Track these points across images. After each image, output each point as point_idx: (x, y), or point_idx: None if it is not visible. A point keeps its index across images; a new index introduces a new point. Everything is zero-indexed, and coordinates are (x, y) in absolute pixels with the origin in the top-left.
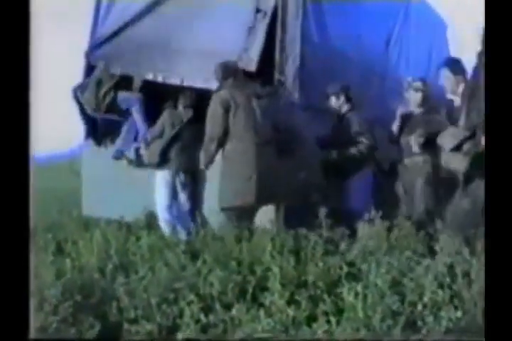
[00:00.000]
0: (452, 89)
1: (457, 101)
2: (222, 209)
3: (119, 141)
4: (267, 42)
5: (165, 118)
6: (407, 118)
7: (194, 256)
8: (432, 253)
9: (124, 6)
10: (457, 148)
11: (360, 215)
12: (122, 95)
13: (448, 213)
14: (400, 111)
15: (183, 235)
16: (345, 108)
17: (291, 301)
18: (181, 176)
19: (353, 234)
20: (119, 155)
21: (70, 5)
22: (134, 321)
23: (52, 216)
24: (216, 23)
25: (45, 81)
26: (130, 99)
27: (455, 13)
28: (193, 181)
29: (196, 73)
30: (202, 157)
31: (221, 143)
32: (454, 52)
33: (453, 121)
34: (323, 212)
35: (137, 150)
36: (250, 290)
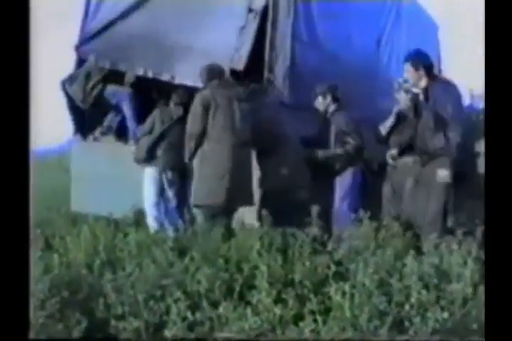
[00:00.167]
0: (414, 83)
1: (421, 95)
2: (195, 207)
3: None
4: (257, 41)
5: (155, 115)
6: (402, 118)
7: (182, 253)
8: (419, 253)
9: (115, 0)
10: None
11: (348, 215)
12: (111, 89)
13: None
14: (396, 108)
15: (170, 232)
16: (332, 108)
17: (278, 300)
18: (168, 173)
19: (340, 234)
20: (106, 131)
21: (68, 4)
22: (121, 317)
23: (41, 212)
24: (208, 22)
25: (45, 78)
26: (119, 94)
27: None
28: (181, 178)
29: (187, 71)
30: (185, 152)
31: (200, 141)
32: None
33: (417, 115)
34: (308, 211)
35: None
36: (237, 288)
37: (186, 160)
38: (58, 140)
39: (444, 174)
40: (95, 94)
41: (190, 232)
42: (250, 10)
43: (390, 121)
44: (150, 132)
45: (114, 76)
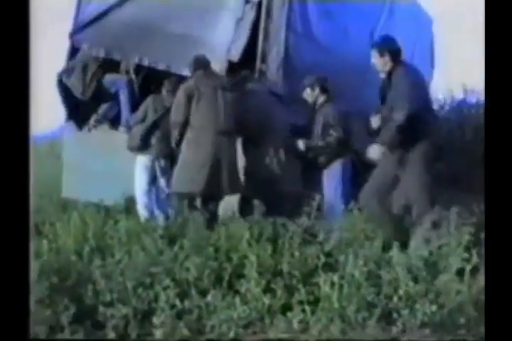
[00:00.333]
0: (378, 69)
1: (385, 80)
2: (174, 194)
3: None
4: (252, 32)
5: (148, 103)
6: None
7: (171, 241)
8: (408, 246)
9: None
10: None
11: (339, 206)
12: (109, 77)
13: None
14: None
15: (161, 220)
16: (321, 99)
17: (267, 289)
18: (161, 161)
19: (330, 225)
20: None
21: (68, 3)
22: (110, 304)
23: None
24: (204, 11)
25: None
26: (117, 82)
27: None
28: (173, 166)
29: (183, 60)
30: (171, 140)
31: (183, 130)
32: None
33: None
34: (296, 201)
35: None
36: (226, 277)
37: (173, 146)
38: (50, 126)
39: (373, 150)
40: (94, 85)
41: (180, 220)
42: (247, 1)
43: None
44: (143, 120)
45: (111, 64)
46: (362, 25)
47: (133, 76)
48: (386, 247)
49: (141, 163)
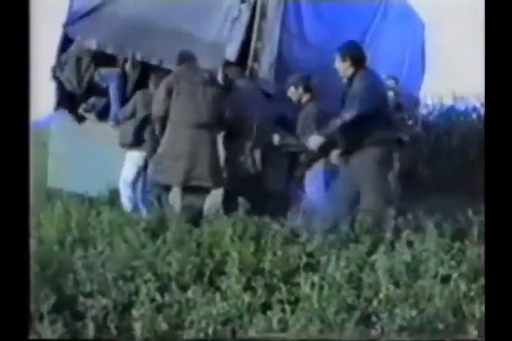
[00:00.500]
0: (340, 74)
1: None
2: (151, 184)
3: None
4: (247, 31)
5: (137, 98)
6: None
7: (154, 234)
8: (392, 249)
9: None
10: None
11: (320, 206)
12: (102, 71)
13: None
14: None
15: (144, 213)
16: (305, 98)
17: (247, 287)
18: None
19: (314, 226)
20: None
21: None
22: (90, 295)
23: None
24: (199, 8)
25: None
26: (108, 76)
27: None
28: None
29: (175, 56)
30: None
31: (163, 124)
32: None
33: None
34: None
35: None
36: (207, 273)
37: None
38: (38, 114)
39: (312, 140)
40: (88, 79)
41: (159, 213)
42: (243, 0)
43: None
44: (132, 115)
45: (104, 58)
46: (355, 26)
47: (130, 70)
48: (369, 250)
49: (132, 157)
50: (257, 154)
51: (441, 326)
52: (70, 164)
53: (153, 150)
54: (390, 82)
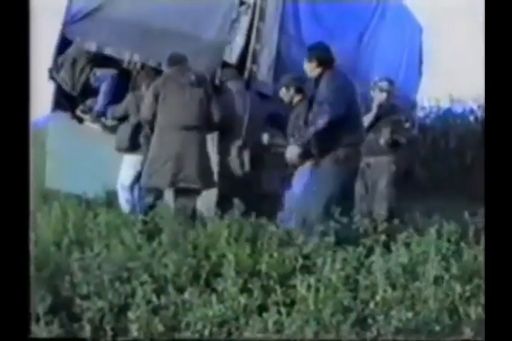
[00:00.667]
0: (308, 74)
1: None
2: (144, 188)
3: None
4: (245, 33)
5: (129, 101)
6: (382, 110)
7: (150, 236)
8: (388, 252)
9: None
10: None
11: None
12: (98, 72)
13: None
14: (377, 100)
15: (140, 215)
16: (295, 99)
17: (243, 289)
18: None
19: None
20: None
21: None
22: (86, 297)
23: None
24: (197, 10)
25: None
26: (102, 76)
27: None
28: None
29: None
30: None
31: (151, 127)
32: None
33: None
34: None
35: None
36: (204, 275)
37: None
38: (37, 115)
39: (289, 151)
40: (83, 81)
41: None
42: (242, 2)
43: (371, 114)
44: (123, 118)
45: (100, 60)
46: (352, 28)
47: (134, 72)
48: (367, 253)
49: (129, 160)
50: (246, 155)
51: (437, 328)
52: (67, 165)
53: None
54: (383, 84)
